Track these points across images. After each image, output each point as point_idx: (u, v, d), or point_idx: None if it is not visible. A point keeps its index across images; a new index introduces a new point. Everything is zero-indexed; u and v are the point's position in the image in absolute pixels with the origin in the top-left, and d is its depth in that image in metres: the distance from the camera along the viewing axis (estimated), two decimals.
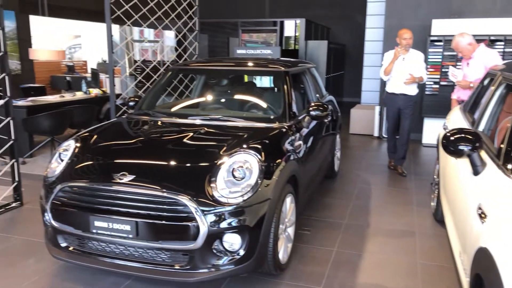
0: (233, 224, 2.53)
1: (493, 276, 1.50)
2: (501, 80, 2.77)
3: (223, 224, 2.50)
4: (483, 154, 2.29)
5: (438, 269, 3.09)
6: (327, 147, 4.55)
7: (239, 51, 8.09)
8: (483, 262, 1.66)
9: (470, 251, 1.91)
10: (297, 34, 12.64)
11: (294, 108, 3.59)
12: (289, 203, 3.05)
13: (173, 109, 3.99)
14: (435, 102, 6.79)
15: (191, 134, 3.14)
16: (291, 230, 3.19)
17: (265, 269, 2.83)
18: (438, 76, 6.77)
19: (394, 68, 5.16)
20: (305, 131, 3.63)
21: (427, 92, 6.87)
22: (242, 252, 2.56)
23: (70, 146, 3.04)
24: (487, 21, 6.46)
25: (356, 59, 11.79)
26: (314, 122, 3.88)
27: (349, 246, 3.46)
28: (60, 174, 2.84)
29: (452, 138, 2.22)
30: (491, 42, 6.32)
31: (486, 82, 3.27)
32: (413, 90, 5.26)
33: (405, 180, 5.26)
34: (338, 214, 4.16)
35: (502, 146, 2.10)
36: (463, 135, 2.21)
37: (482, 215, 1.90)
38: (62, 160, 2.95)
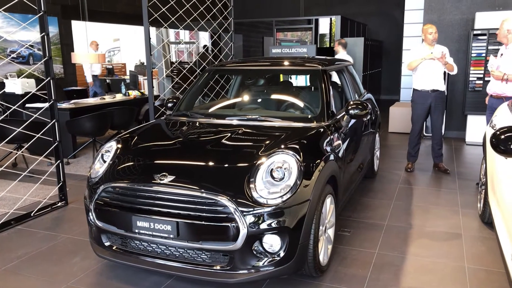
0: (273, 225, 2.50)
1: None
2: None
3: (263, 225, 2.49)
4: None
5: (487, 273, 2.95)
6: (367, 146, 4.45)
7: (274, 50, 8.07)
8: None
9: None
10: (332, 32, 12.47)
11: (332, 107, 3.53)
12: (328, 204, 3.00)
13: (210, 110, 4.01)
14: (479, 98, 6.51)
15: (229, 134, 3.14)
16: (331, 232, 3.13)
17: (305, 271, 2.79)
18: (482, 72, 6.49)
19: (423, 66, 4.98)
20: (344, 130, 3.56)
21: (470, 89, 6.61)
22: (282, 254, 2.54)
23: (112, 148, 3.11)
24: None
25: (394, 55, 11.52)
26: (353, 121, 3.81)
27: (391, 248, 3.37)
28: (102, 175, 2.91)
29: (502, 136, 2.11)
30: None
31: None
32: (443, 86, 5.13)
33: (448, 180, 5.08)
34: (378, 215, 4.06)
35: None
36: None
37: None
38: (104, 161, 3.02)
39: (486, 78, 6.45)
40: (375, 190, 4.78)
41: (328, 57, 4.80)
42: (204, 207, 2.54)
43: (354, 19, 10.38)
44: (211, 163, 2.81)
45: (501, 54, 4.59)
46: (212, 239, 2.52)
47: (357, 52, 8.65)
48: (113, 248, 2.83)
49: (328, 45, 12.74)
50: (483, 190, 3.71)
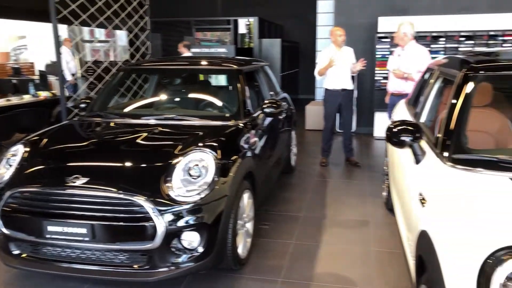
0: (191, 222, 2.55)
1: (432, 256, 1.63)
2: (439, 74, 2.95)
3: (181, 223, 2.53)
4: (423, 144, 2.44)
5: (389, 254, 3.26)
6: (283, 143, 4.65)
7: (193, 50, 8.07)
8: (424, 244, 1.79)
9: (414, 235, 2.04)
10: (251, 32, 12.72)
11: (249, 106, 3.66)
12: (246, 199, 3.11)
13: (126, 110, 3.94)
14: (385, 96, 7.06)
15: (145, 134, 3.13)
16: (250, 225, 3.25)
17: (225, 265, 2.88)
18: (387, 72, 7.04)
19: (332, 67, 5.28)
20: (260, 128, 3.70)
21: (377, 88, 7.14)
22: (201, 249, 2.60)
23: (18, 151, 2.95)
24: (429, 18, 6.79)
25: (310, 56, 12.03)
26: (269, 119, 3.97)
27: (307, 238, 3.57)
28: (9, 180, 2.76)
29: (395, 130, 2.35)
30: (433, 38, 6.67)
31: (426, 76, 3.47)
32: (351, 85, 5.53)
33: (359, 172, 5.46)
34: (296, 207, 4.27)
35: (439, 135, 2.25)
36: (404, 127, 2.34)
37: (422, 201, 2.04)
38: (10, 166, 2.86)
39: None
40: (292, 184, 5.00)
41: (245, 58, 4.94)
42: (120, 208, 2.52)
43: (271, 21, 10.69)
44: (126, 164, 2.79)
45: (398, 55, 5.03)
46: (130, 239, 2.51)
47: (274, 53, 8.93)
48: (23, 256, 2.69)
49: (248, 45, 12.98)
50: (387, 180, 4.07)
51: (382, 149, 6.63)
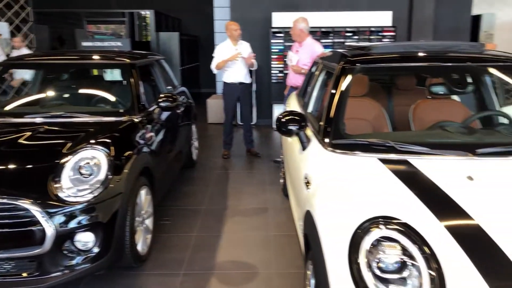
0: (84, 222, 2.47)
1: (315, 233, 1.78)
2: (322, 67, 3.19)
3: (73, 224, 2.43)
4: (309, 132, 2.63)
5: (287, 238, 3.45)
6: (183, 137, 4.65)
7: (85, 44, 7.65)
8: (308, 223, 1.95)
9: (301, 216, 2.21)
10: (147, 25, 12.37)
11: (143, 100, 3.60)
12: (144, 195, 3.08)
13: (7, 108, 3.63)
14: (282, 89, 7.37)
15: (29, 133, 2.93)
16: (149, 222, 3.22)
17: (125, 263, 2.82)
18: (282, 66, 7.36)
19: (230, 61, 5.42)
20: (157, 122, 3.66)
21: (273, 81, 7.43)
22: (96, 250, 2.52)
23: None
24: (318, 15, 7.22)
25: (210, 50, 12.06)
26: (166, 113, 3.94)
27: (208, 229, 3.63)
28: None
29: (283, 120, 2.50)
30: (322, 33, 7.12)
31: (313, 69, 3.72)
32: (249, 79, 5.70)
33: (259, 163, 5.66)
34: (197, 200, 4.30)
35: (321, 124, 2.45)
36: (291, 117, 2.50)
37: (307, 184, 2.21)
38: None
39: (285, 71, 7.34)
40: (194, 178, 5.03)
41: (140, 52, 4.82)
42: (4, 213, 2.34)
43: (168, 14, 10.50)
44: (9, 166, 2.60)
45: (296, 51, 5.25)
46: (15, 246, 2.36)
47: (173, 46, 8.82)
48: None
49: (146, 39, 12.61)
50: (283, 168, 4.29)
51: (280, 139, 6.96)
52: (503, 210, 1.61)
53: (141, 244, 2.99)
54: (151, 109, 3.67)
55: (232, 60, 5.34)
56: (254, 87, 7.56)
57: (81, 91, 4.05)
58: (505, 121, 2.70)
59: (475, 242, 1.47)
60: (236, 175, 5.20)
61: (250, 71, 5.82)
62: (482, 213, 1.58)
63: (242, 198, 4.37)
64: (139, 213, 2.98)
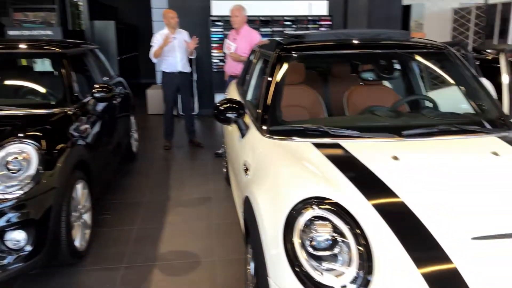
0: (15, 220, 2.35)
1: (252, 218, 1.82)
2: (260, 55, 3.23)
3: (2, 222, 2.31)
4: (248, 120, 2.66)
5: (230, 226, 3.48)
6: (121, 129, 4.52)
7: (12, 33, 7.18)
8: (247, 209, 1.99)
9: (241, 202, 2.24)
10: (81, 14, 11.81)
11: (77, 91, 3.45)
12: (80, 189, 2.97)
13: None
14: (223, 78, 7.36)
15: None
16: (87, 216, 3.12)
17: (62, 260, 2.72)
18: (223, 54, 7.33)
19: (168, 49, 5.34)
20: (92, 114, 3.53)
21: (214, 69, 7.39)
22: (29, 248, 2.41)
23: None
24: (258, 4, 7.24)
25: (149, 39, 11.73)
26: (102, 104, 3.81)
27: (150, 221, 3.58)
28: None
29: (221, 108, 2.51)
30: (261, 22, 7.17)
31: (252, 57, 3.75)
32: (188, 68, 5.64)
33: (202, 152, 5.64)
34: (138, 193, 4.22)
35: (259, 111, 2.49)
36: (229, 105, 2.52)
37: (246, 170, 2.25)
38: None
39: (226, 60, 7.32)
40: (135, 171, 4.92)
41: (72, 41, 4.61)
42: None
43: (103, 2, 10.08)
44: None
45: (234, 39, 5.26)
46: None
47: (109, 35, 8.50)
48: None
49: (80, 28, 12.03)
50: (226, 156, 4.31)
51: (222, 128, 6.96)
52: (426, 187, 1.73)
53: (79, 239, 2.90)
54: (85, 100, 3.54)
55: (166, 44, 5.23)
56: (195, 76, 7.49)
57: (8, 82, 3.80)
58: (430, 104, 2.88)
59: (400, 218, 1.57)
60: (178, 166, 5.15)
61: (190, 60, 5.75)
62: (407, 191, 1.69)
63: (185, 189, 4.34)
64: (76, 208, 2.88)
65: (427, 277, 1.36)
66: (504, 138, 2.19)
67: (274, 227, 1.61)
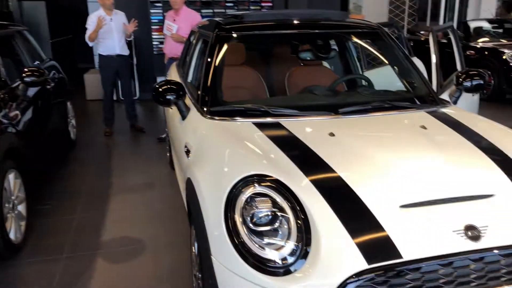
0: None
1: (195, 200, 1.82)
2: (199, 36, 3.18)
3: None
4: (189, 101, 2.63)
5: (174, 210, 3.44)
6: (56, 115, 4.30)
7: None
8: (189, 190, 1.97)
9: (184, 184, 2.22)
10: None
11: (3, 75, 3.23)
12: (13, 179, 2.82)
13: None
14: (164, 60, 7.18)
15: None
16: (22, 207, 2.97)
17: None
18: (163, 36, 7.13)
19: (105, 31, 5.13)
20: (22, 100, 3.33)
21: (155, 52, 7.19)
22: None
23: None
24: None
25: (85, 21, 11.17)
26: (33, 90, 3.59)
27: (92, 210, 3.47)
28: None
29: (160, 89, 2.44)
30: (202, 3, 7.05)
31: (191, 38, 3.68)
32: (127, 50, 5.45)
33: (145, 138, 5.51)
34: (79, 181, 4.07)
35: (199, 92, 2.47)
36: (168, 86, 2.46)
37: (187, 152, 2.23)
38: None
39: None
40: (75, 158, 4.73)
41: None
42: None
43: None
44: None
45: (174, 20, 5.13)
46: None
47: (40, 17, 8.00)
48: None
49: (8, 9, 11.18)
50: (169, 140, 4.24)
51: None
52: (360, 161, 1.79)
53: (14, 232, 2.76)
54: (14, 85, 3.32)
55: (100, 27, 5.01)
56: (134, 60, 7.25)
57: None
58: (366, 83, 2.99)
59: (336, 192, 1.63)
60: (120, 152, 5.01)
61: (129, 43, 5.55)
62: (342, 165, 1.75)
63: (127, 175, 4.24)
64: (9, 199, 2.73)
65: (361, 245, 1.42)
66: (432, 113, 2.32)
67: (216, 206, 1.62)
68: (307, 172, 1.70)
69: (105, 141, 5.38)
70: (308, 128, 2.09)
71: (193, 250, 2.10)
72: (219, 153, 1.93)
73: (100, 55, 5.32)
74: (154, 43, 7.15)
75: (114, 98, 5.81)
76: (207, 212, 1.67)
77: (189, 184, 1.98)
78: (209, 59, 2.58)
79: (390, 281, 1.39)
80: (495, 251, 1.46)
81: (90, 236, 3.05)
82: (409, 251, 1.41)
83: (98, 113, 6.73)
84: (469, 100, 3.42)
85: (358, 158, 1.81)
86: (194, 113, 2.45)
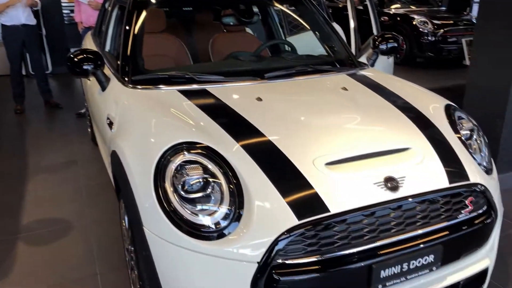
0: None
1: (121, 172, 1.75)
2: (115, 2, 2.99)
3: None
4: (108, 71, 2.49)
5: (101, 186, 3.31)
6: None
7: None
8: (115, 163, 1.90)
9: (109, 158, 2.13)
10: None
11: None
12: None
13: None
14: (77, 30, 6.71)
15: None
16: None
17: None
18: (73, 4, 6.64)
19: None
20: None
21: (66, 22, 6.69)
22: None
23: None
24: None
25: None
26: None
27: (8, 193, 3.24)
28: None
29: (75, 59, 2.28)
30: None
31: (107, 5, 3.46)
32: (33, 20, 5.04)
33: (62, 114, 5.18)
34: None
35: (119, 62, 2.34)
36: (85, 56, 2.30)
37: (110, 124, 2.13)
38: None
39: None
40: None
41: None
42: None
43: None
44: None
45: None
46: None
47: None
48: None
49: None
50: (89, 115, 4.01)
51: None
52: (288, 124, 1.83)
53: None
54: None
55: (12, 3, 4.59)
56: (43, 31, 6.69)
57: None
58: (289, 48, 3.03)
59: (266, 155, 1.65)
60: (34, 130, 4.66)
61: (35, 12, 5.10)
62: (270, 128, 1.78)
63: (46, 154, 3.98)
64: None
65: (291, 204, 1.47)
66: (352, 76, 2.42)
67: (145, 177, 1.57)
68: (237, 138, 1.70)
69: (17, 119, 4.98)
70: (235, 94, 2.08)
71: (124, 224, 2.05)
72: (144, 123, 1.87)
73: (3, 26, 4.85)
74: (65, 11, 6.66)
75: (24, 72, 5.36)
76: (136, 183, 1.62)
77: (115, 157, 1.90)
78: (127, 27, 2.45)
79: (319, 234, 1.46)
80: (411, 199, 1.58)
81: (8, 221, 2.84)
82: (335, 205, 1.48)
83: (6, 89, 6.19)
84: (385, 63, 3.62)
85: (285, 121, 1.84)
86: (114, 83, 2.34)
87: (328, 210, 1.47)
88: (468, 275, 1.76)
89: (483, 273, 1.84)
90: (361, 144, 1.71)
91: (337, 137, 1.74)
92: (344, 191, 1.53)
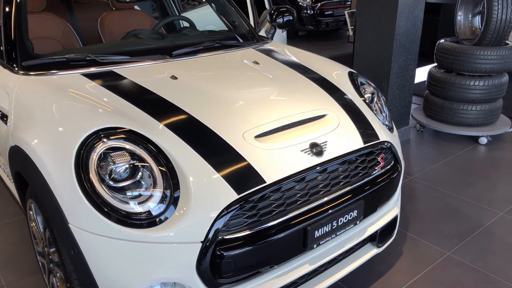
0: None
1: (30, 168, 1.56)
2: None
3: None
4: None
5: None
6: None
7: None
8: (19, 159, 1.69)
9: (5, 155, 1.88)
10: None
11: None
12: None
13: None
14: None
15: None
16: None
17: None
18: None
19: None
20: None
21: None
22: None
23: None
24: None
25: None
26: None
27: None
28: None
29: None
30: None
31: None
32: None
33: None
34: None
35: (2, 48, 2.07)
36: None
37: (4, 118, 1.88)
38: None
39: None
40: None
41: None
42: None
43: None
44: None
45: None
46: None
47: None
48: None
49: None
50: None
51: None
52: (210, 100, 1.79)
53: None
54: None
55: None
56: None
57: None
58: (187, 24, 2.95)
59: (194, 132, 1.60)
60: None
61: None
62: (192, 105, 1.73)
63: None
64: None
65: (227, 177, 1.47)
66: (259, 49, 2.46)
67: (65, 171, 1.43)
68: (159, 118, 1.63)
69: None
70: (146, 74, 1.98)
71: (34, 226, 1.86)
72: (49, 112, 1.67)
73: None
74: None
75: None
76: (53, 179, 1.46)
77: (17, 153, 1.69)
78: (7, 9, 2.15)
79: (257, 205, 1.49)
80: (334, 162, 1.69)
81: None
82: (270, 175, 1.52)
83: None
84: (280, 36, 3.74)
85: (207, 97, 1.81)
86: (1, 72, 2.05)
87: (264, 181, 1.50)
88: (383, 224, 1.96)
89: (394, 220, 2.06)
90: (284, 115, 1.76)
91: (261, 110, 1.77)
92: (276, 161, 1.57)
